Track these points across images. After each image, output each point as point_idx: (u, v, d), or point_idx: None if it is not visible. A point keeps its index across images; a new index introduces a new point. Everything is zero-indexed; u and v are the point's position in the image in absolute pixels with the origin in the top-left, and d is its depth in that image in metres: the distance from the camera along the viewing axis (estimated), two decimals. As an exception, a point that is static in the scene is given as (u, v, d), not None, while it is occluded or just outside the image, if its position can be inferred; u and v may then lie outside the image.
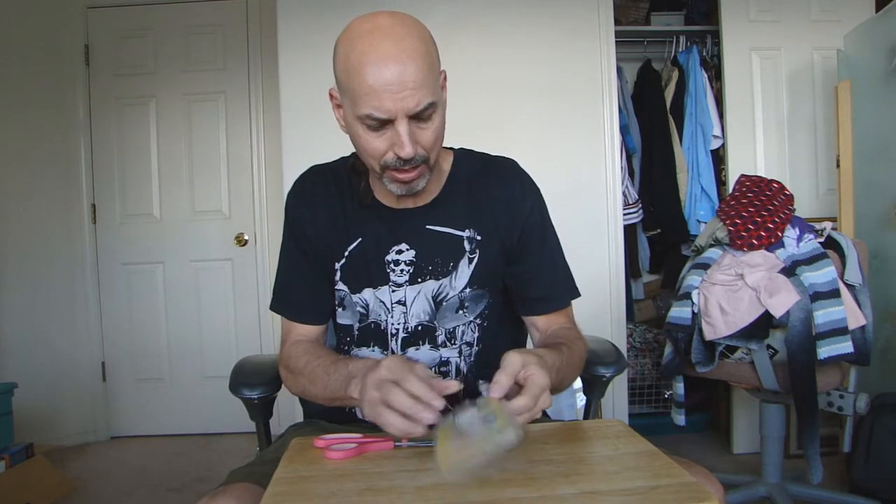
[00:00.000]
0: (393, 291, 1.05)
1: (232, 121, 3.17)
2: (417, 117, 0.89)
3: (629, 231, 2.82)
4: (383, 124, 0.89)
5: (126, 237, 3.16)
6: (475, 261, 1.05)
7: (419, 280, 1.05)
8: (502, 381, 0.77)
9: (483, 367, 1.06)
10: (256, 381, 1.19)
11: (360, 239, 1.06)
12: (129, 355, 3.15)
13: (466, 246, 1.05)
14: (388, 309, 1.05)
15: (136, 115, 3.15)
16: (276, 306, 1.12)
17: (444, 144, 1.11)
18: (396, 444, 0.83)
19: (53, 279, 3.02)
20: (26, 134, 2.96)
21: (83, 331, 3.10)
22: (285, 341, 1.10)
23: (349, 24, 0.92)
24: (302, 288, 1.09)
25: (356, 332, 1.08)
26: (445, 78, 0.99)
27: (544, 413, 1.18)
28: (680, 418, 2.03)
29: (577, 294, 1.12)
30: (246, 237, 3.17)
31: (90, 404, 3.10)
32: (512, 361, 0.79)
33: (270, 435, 1.25)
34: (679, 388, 2.03)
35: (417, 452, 0.81)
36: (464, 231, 1.05)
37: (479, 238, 1.05)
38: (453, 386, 0.78)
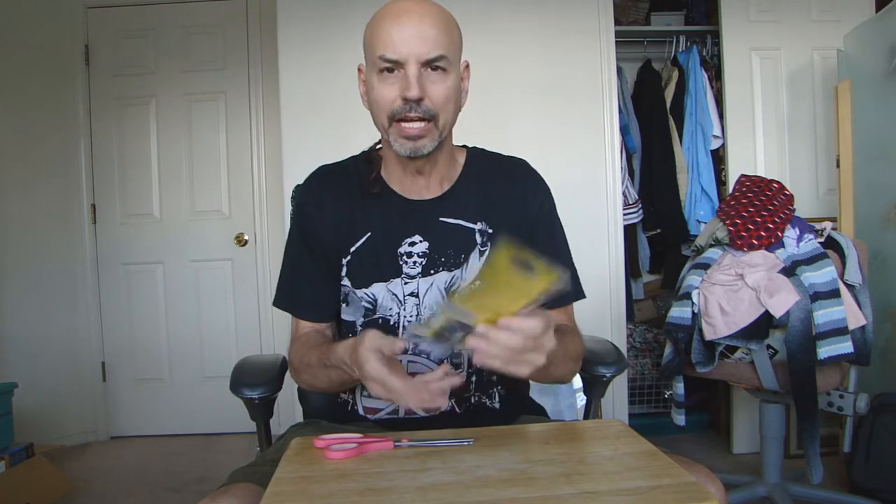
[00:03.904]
0: (405, 283, 1.05)
1: (232, 121, 3.17)
2: (429, 66, 0.93)
3: (629, 231, 2.82)
4: (396, 68, 0.93)
5: (126, 237, 3.16)
6: (486, 254, 1.06)
7: (432, 272, 1.05)
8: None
9: None
10: (257, 381, 1.19)
11: (368, 234, 1.06)
12: (129, 355, 3.15)
13: (478, 238, 1.06)
14: (400, 301, 1.05)
15: (136, 115, 3.15)
16: (279, 302, 1.12)
17: (458, 143, 1.12)
18: (396, 444, 0.83)
19: (53, 279, 3.02)
20: (26, 134, 2.96)
21: (83, 331, 3.10)
22: (293, 339, 1.10)
23: None
24: (306, 285, 1.09)
25: (360, 328, 1.08)
26: (468, 68, 1.04)
27: (544, 413, 1.19)
28: (680, 418, 2.03)
29: (581, 295, 1.12)
30: (246, 237, 3.17)
31: (90, 404, 3.10)
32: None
33: (271, 435, 1.25)
34: (679, 388, 2.03)
35: (417, 452, 0.81)
36: (476, 224, 1.06)
37: (490, 231, 1.06)
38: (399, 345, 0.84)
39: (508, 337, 0.75)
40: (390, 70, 0.93)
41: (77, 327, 3.08)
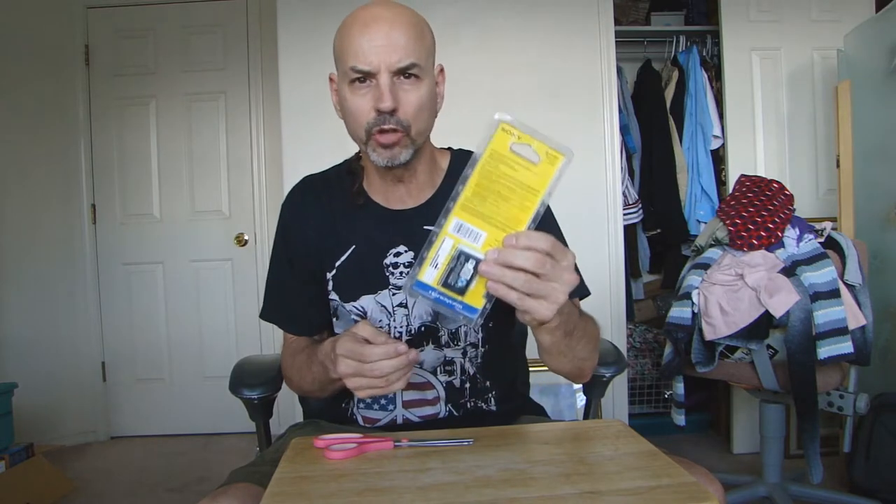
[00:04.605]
0: (393, 294, 1.04)
1: (232, 121, 3.17)
2: (402, 75, 0.91)
3: (629, 231, 2.82)
4: (367, 78, 0.91)
5: (126, 237, 3.16)
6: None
7: None
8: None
9: (490, 368, 1.06)
10: (256, 382, 1.20)
11: (353, 247, 1.04)
12: (129, 355, 3.15)
13: None
14: (390, 312, 1.04)
15: (136, 115, 3.15)
16: (266, 315, 1.12)
17: (442, 145, 1.11)
18: (396, 444, 0.83)
19: (53, 279, 3.02)
20: (26, 134, 2.96)
21: (83, 331, 3.10)
22: (284, 344, 1.11)
23: None
24: (290, 301, 1.08)
25: None
26: (443, 71, 1.01)
27: (544, 413, 1.19)
28: (680, 418, 2.03)
29: (586, 292, 1.07)
30: (246, 237, 3.17)
31: (90, 404, 3.10)
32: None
33: (270, 435, 1.25)
34: (679, 388, 2.03)
35: (417, 452, 0.81)
36: None
37: None
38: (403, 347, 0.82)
39: (520, 255, 0.69)
40: (362, 80, 0.91)
41: (77, 327, 3.08)
